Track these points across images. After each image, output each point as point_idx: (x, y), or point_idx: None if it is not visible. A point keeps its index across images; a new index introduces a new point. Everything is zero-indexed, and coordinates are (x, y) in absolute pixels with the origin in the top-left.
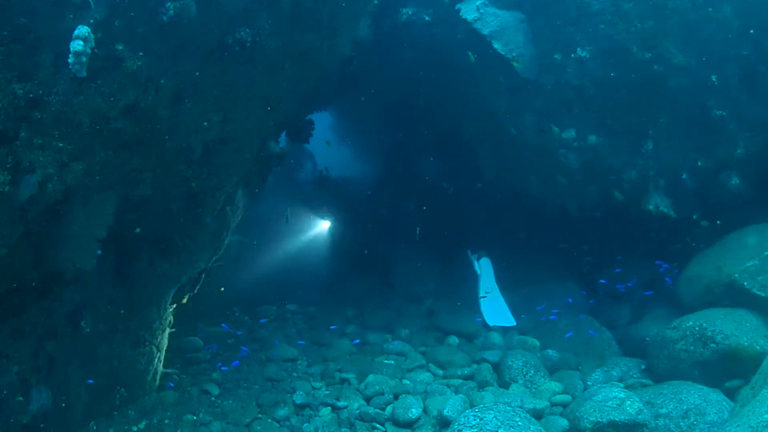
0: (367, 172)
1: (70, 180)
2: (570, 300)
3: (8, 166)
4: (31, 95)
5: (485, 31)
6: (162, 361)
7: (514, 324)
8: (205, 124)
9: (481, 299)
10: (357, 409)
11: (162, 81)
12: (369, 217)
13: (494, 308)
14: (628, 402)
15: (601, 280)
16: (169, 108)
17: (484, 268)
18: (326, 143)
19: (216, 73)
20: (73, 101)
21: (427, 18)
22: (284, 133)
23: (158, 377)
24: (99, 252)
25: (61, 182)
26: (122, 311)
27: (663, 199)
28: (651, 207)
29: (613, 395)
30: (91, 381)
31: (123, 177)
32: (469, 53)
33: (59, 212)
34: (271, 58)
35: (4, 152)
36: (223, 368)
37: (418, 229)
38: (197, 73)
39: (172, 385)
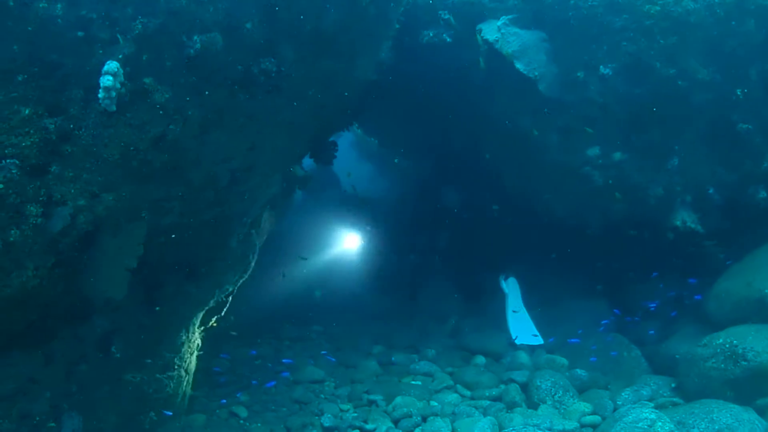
0: (390, 191)
1: (100, 211)
2: (605, 321)
3: (40, 199)
4: (62, 129)
5: (507, 51)
6: (190, 384)
7: (542, 342)
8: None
9: (509, 318)
10: None
11: (189, 112)
12: (393, 235)
13: (522, 327)
14: (659, 423)
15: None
16: (196, 138)
17: (511, 287)
18: (347, 175)
19: (241, 103)
20: (103, 134)
21: (448, 39)
22: (308, 155)
23: (187, 400)
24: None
25: (91, 213)
26: (151, 336)
27: (690, 214)
28: (678, 223)
29: (643, 416)
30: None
31: (151, 206)
32: (480, 59)
33: (90, 242)
34: (295, 86)
35: (36, 185)
36: (253, 381)
37: (437, 257)
38: (223, 104)
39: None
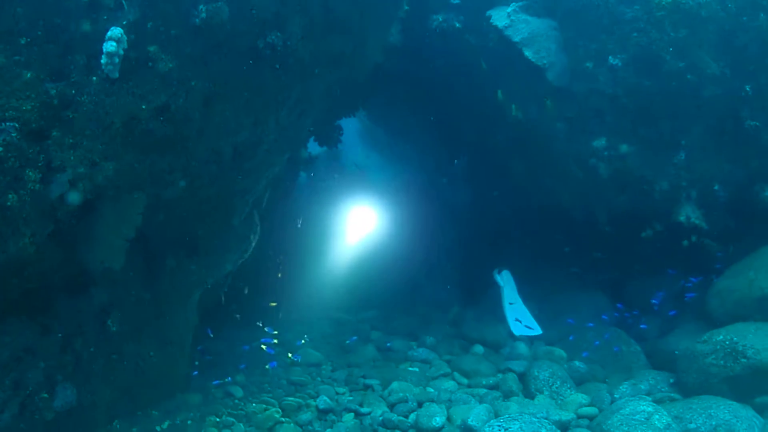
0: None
1: (100, 180)
2: (604, 317)
3: (39, 164)
4: (63, 95)
5: (516, 38)
6: (187, 362)
7: (541, 332)
8: (234, 125)
9: (506, 310)
10: (380, 416)
11: (193, 83)
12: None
13: (520, 318)
14: (657, 416)
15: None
16: (200, 110)
17: (506, 280)
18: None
19: (247, 77)
20: (105, 102)
21: (458, 25)
22: (312, 138)
23: (183, 379)
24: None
25: (91, 181)
26: (150, 311)
27: (695, 210)
28: (682, 218)
29: (641, 409)
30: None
31: (153, 178)
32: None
33: (89, 211)
34: (302, 62)
35: (36, 150)
36: (240, 366)
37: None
38: (228, 76)
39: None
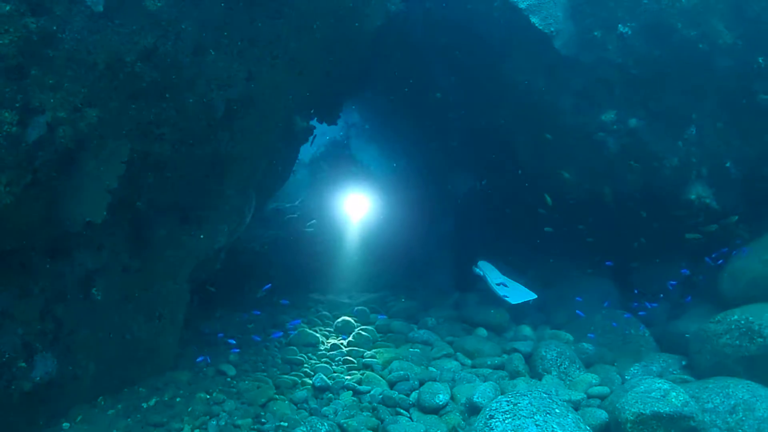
0: (395, 159)
1: (82, 126)
2: (606, 304)
3: (17, 105)
4: (44, 30)
5: (522, 5)
6: (177, 339)
7: (536, 296)
8: (226, 77)
9: (496, 289)
10: (380, 394)
11: (183, 26)
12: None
13: (512, 290)
14: (673, 393)
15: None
16: (190, 56)
17: (486, 268)
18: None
19: (241, 25)
20: (88, 40)
21: None
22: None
23: (172, 355)
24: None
25: (72, 128)
26: (138, 281)
27: (705, 188)
28: (693, 197)
29: (656, 386)
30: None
31: (139, 130)
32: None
33: (70, 163)
34: (300, 14)
35: (13, 89)
36: (234, 350)
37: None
38: (221, 22)
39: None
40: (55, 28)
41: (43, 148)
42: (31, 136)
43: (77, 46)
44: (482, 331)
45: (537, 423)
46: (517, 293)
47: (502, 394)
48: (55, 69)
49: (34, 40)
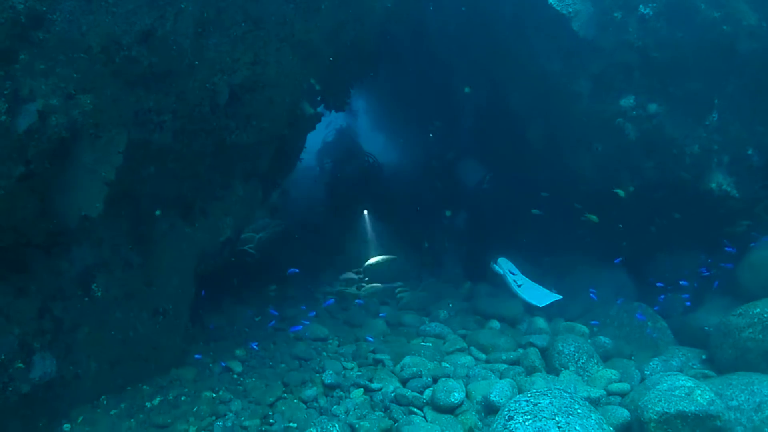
0: (406, 153)
1: (76, 114)
2: (620, 301)
3: (6, 92)
4: (33, 11)
5: None
6: (182, 335)
7: (561, 297)
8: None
9: (518, 292)
10: (392, 392)
11: (183, 5)
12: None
13: (534, 291)
14: (698, 391)
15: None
16: (191, 39)
17: (504, 266)
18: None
19: (245, 5)
20: (81, 21)
21: None
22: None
23: (177, 352)
24: (107, 203)
25: (66, 116)
26: (140, 276)
27: (726, 177)
28: (713, 185)
29: (680, 384)
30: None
31: (139, 117)
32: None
33: (64, 153)
34: None
35: (0, 76)
36: (252, 345)
37: (448, 212)
38: (223, 1)
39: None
40: (44, 8)
41: (34, 138)
42: (21, 126)
43: (69, 27)
44: (495, 324)
45: (559, 425)
46: (540, 295)
47: (519, 392)
48: (45, 53)
49: (22, 22)
